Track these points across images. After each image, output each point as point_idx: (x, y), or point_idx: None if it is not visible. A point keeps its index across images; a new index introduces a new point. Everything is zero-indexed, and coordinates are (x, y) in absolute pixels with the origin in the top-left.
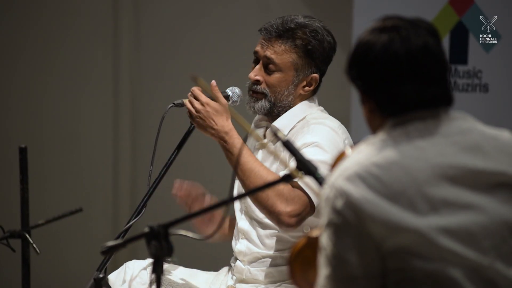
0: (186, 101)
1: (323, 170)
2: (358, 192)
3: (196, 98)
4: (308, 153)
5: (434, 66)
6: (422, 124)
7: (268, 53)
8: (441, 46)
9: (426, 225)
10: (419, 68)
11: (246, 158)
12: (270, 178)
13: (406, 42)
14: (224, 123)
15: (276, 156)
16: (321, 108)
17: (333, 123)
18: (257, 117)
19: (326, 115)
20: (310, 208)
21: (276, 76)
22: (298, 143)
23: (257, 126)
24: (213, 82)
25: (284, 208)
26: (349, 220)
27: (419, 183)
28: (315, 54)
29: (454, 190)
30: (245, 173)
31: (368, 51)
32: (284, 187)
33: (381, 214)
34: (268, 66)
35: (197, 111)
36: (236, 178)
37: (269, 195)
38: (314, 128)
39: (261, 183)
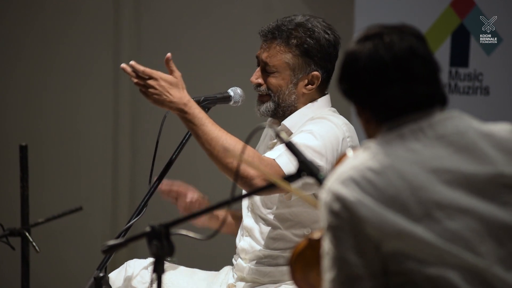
0: (134, 80)
1: (308, 154)
2: (353, 195)
3: (149, 76)
4: (299, 137)
5: (422, 67)
6: (416, 126)
7: (264, 56)
8: (428, 47)
9: (420, 230)
10: (407, 70)
11: (210, 127)
12: (238, 146)
13: (391, 46)
14: (181, 95)
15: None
16: (334, 109)
17: (338, 120)
18: (269, 119)
19: (336, 114)
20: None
21: (273, 77)
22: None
23: (271, 127)
24: (169, 54)
25: (256, 172)
26: (347, 221)
27: (413, 187)
28: (312, 53)
29: (449, 193)
30: (211, 142)
31: (355, 61)
32: (254, 155)
33: (376, 218)
34: (265, 68)
35: (150, 87)
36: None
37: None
38: (316, 121)
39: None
